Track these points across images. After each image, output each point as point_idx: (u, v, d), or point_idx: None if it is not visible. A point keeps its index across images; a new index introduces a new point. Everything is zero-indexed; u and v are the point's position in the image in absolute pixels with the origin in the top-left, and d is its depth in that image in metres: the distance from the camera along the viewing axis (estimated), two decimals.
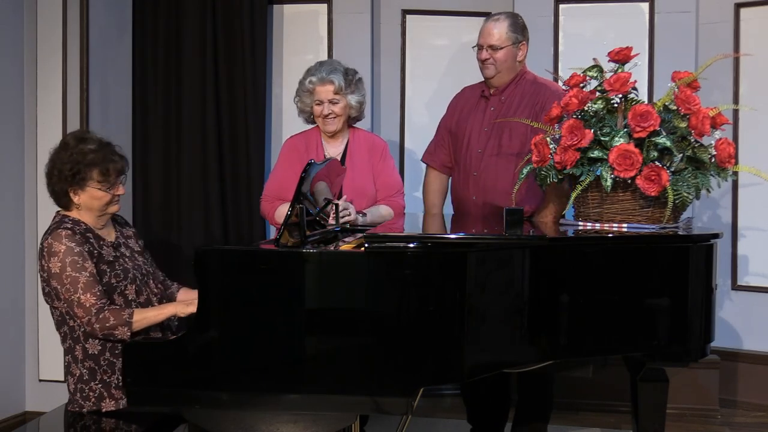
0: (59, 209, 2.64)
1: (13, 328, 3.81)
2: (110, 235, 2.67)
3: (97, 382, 2.52)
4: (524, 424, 3.34)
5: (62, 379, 3.74)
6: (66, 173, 2.54)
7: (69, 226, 2.53)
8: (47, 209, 3.82)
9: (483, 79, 3.36)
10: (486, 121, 3.28)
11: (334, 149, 3.30)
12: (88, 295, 2.44)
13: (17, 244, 3.83)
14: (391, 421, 3.36)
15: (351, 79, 3.23)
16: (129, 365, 2.31)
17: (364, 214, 3.17)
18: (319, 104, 3.21)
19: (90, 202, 2.57)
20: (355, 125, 3.40)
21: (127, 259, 2.64)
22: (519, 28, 3.25)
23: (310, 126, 3.38)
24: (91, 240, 2.55)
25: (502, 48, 3.21)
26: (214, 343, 2.25)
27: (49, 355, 3.85)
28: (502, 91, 3.29)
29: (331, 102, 3.19)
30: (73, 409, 2.54)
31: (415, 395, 2.26)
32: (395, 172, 3.38)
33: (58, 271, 2.46)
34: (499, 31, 3.21)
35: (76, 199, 2.57)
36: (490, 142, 3.24)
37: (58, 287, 2.46)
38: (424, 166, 3.58)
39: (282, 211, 3.16)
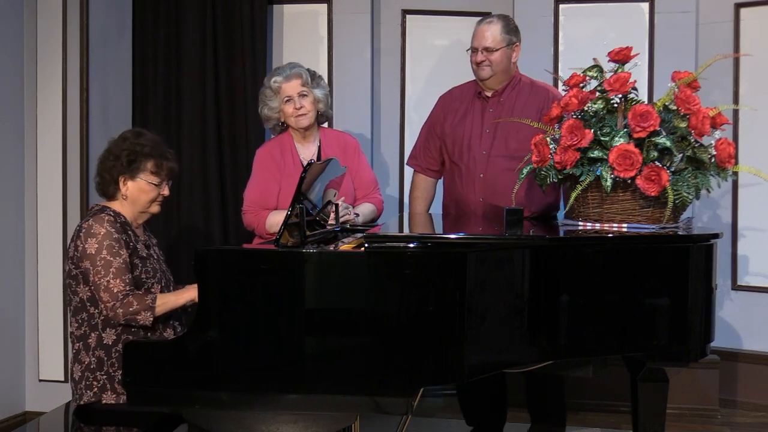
0: (96, 203, 2.68)
1: (13, 328, 3.81)
2: (141, 235, 2.72)
3: (102, 373, 2.53)
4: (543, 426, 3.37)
5: (62, 379, 3.77)
6: (123, 159, 2.61)
7: (111, 214, 2.59)
8: (47, 209, 3.87)
9: (470, 80, 3.36)
10: (486, 122, 3.27)
11: (307, 151, 3.31)
12: (118, 281, 2.48)
13: (17, 244, 3.83)
14: (391, 421, 3.36)
15: (313, 74, 3.30)
16: (129, 364, 2.31)
17: (357, 214, 3.18)
18: (289, 101, 3.23)
19: (137, 194, 2.63)
20: (323, 125, 3.43)
21: (155, 261, 2.70)
22: (512, 30, 3.26)
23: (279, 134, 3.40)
24: (129, 232, 2.61)
25: (497, 50, 3.21)
26: (214, 343, 2.25)
27: (49, 355, 3.85)
28: (500, 93, 3.29)
29: (300, 95, 3.22)
30: (75, 401, 2.55)
31: (415, 395, 2.26)
32: (369, 169, 3.42)
33: (93, 252, 2.50)
34: (493, 33, 3.22)
35: (123, 189, 2.62)
36: (495, 144, 3.23)
37: (90, 268, 2.50)
38: None
39: (274, 219, 3.15)
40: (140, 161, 2.62)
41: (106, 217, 2.55)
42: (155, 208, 2.69)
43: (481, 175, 3.25)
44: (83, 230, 2.54)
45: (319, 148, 3.31)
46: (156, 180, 2.64)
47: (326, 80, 4.38)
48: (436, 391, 4.20)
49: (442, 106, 3.43)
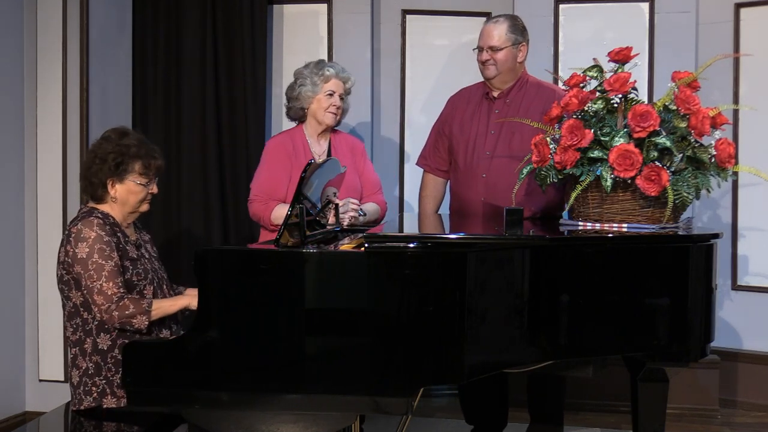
0: (85, 204, 2.66)
1: (13, 328, 3.81)
2: (132, 234, 2.69)
3: (101, 378, 2.52)
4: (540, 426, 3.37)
5: (62, 379, 3.77)
6: (110, 163, 2.57)
7: (100, 216, 2.56)
8: (47, 209, 3.87)
9: (480, 81, 3.37)
10: (492, 123, 3.27)
11: (319, 148, 3.35)
12: (111, 284, 2.46)
13: (17, 244, 3.83)
14: (391, 421, 3.35)
15: (350, 87, 3.39)
16: (129, 365, 2.31)
17: (363, 213, 3.21)
18: (330, 95, 3.29)
19: (126, 196, 2.60)
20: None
21: (146, 260, 2.67)
22: (518, 30, 3.26)
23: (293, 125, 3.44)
24: (118, 234, 2.58)
25: (502, 49, 3.22)
26: (214, 343, 2.25)
27: (49, 355, 3.85)
28: (506, 94, 3.29)
29: (341, 97, 3.30)
30: (74, 405, 2.54)
31: (415, 395, 2.26)
32: (374, 171, 3.49)
33: (84, 256, 2.47)
34: (499, 32, 3.22)
35: (112, 192, 2.59)
36: (499, 145, 3.23)
37: (82, 272, 2.48)
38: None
39: (279, 212, 3.17)
40: (128, 163, 2.58)
41: (95, 221, 2.52)
42: (145, 207, 2.66)
43: (484, 176, 3.24)
44: (73, 234, 2.51)
45: (329, 146, 3.36)
46: (144, 180, 2.61)
47: None
48: (436, 391, 4.20)
49: (451, 107, 3.44)
